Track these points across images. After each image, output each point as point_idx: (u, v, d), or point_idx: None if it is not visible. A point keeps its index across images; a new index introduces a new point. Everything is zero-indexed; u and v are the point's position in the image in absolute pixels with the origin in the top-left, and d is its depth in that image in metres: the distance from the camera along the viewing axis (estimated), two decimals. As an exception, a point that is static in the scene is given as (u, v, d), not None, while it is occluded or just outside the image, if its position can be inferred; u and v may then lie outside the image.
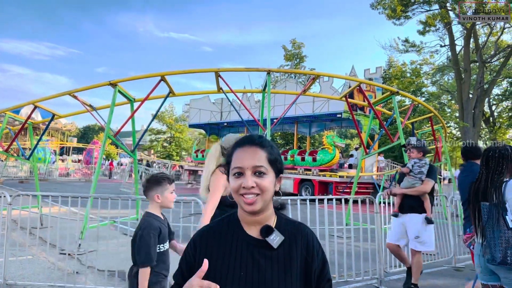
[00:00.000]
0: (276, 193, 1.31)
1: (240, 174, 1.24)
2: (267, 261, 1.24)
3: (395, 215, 5.09)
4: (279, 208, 1.36)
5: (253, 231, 1.29)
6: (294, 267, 1.25)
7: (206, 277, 1.24)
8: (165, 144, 49.47)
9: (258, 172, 1.24)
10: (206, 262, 1.14)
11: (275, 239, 1.26)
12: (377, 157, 19.43)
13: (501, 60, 26.52)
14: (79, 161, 36.57)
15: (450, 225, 6.95)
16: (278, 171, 1.31)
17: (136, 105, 8.56)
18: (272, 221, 1.31)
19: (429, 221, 4.84)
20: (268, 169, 1.27)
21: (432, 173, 4.97)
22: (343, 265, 5.48)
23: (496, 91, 32.53)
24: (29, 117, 8.62)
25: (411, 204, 4.95)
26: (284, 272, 1.24)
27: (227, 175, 1.32)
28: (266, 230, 1.27)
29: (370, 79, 18.43)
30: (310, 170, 17.84)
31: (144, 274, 2.52)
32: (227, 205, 3.10)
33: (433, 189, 5.00)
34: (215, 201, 3.09)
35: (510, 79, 30.43)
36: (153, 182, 2.82)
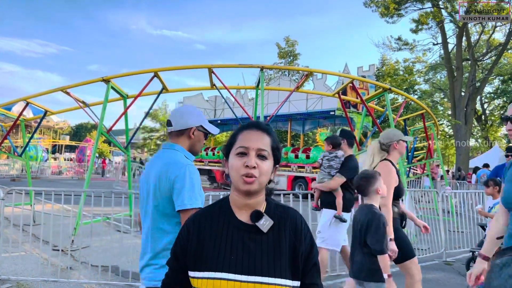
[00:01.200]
0: (270, 182, 1.35)
1: (243, 154, 1.28)
2: (257, 245, 1.27)
3: (315, 210, 4.88)
4: (268, 194, 1.39)
5: (244, 216, 1.32)
6: (283, 250, 1.28)
7: (198, 261, 1.27)
8: (158, 142, 49.34)
9: (260, 156, 1.29)
10: None
11: (265, 223, 1.28)
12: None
13: (493, 58, 26.78)
14: (71, 159, 36.35)
15: (441, 220, 7.03)
16: (277, 160, 1.36)
17: (129, 101, 8.55)
18: (262, 207, 1.34)
19: (340, 219, 4.46)
20: (270, 155, 1.32)
21: (344, 168, 4.56)
22: (335, 259, 5.54)
23: (488, 89, 32.86)
24: (21, 113, 8.58)
25: (326, 199, 4.61)
26: (273, 255, 1.26)
27: (227, 156, 1.35)
28: (256, 215, 1.29)
29: (363, 77, 18.49)
30: (303, 167, 17.89)
31: (385, 259, 2.93)
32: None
33: (348, 185, 4.55)
34: (392, 193, 3.46)
35: (501, 77, 30.72)
36: (372, 178, 3.14)
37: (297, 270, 1.29)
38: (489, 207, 5.54)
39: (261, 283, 1.21)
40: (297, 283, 1.28)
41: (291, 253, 1.29)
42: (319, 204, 4.77)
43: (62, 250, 5.86)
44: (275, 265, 1.25)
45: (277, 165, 1.37)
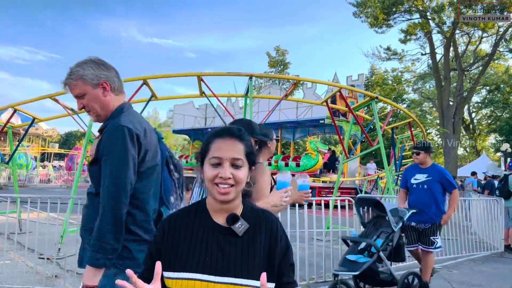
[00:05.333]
0: (247, 184, 1.36)
1: (217, 164, 1.29)
2: (231, 247, 1.29)
3: None
4: (244, 195, 1.40)
5: (220, 219, 1.34)
6: (257, 252, 1.30)
7: (172, 261, 1.28)
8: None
9: (235, 165, 1.29)
10: (158, 264, 1.14)
11: (240, 227, 1.31)
12: (358, 161, 19.67)
13: (480, 68, 27.22)
14: (60, 167, 35.93)
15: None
16: (252, 163, 1.37)
17: (118, 109, 8.53)
18: (239, 210, 1.37)
19: None
20: (245, 162, 1.32)
21: None
22: (322, 266, 5.56)
23: (475, 98, 33.36)
24: (8, 120, 8.51)
25: None
26: (247, 257, 1.28)
27: (201, 163, 1.36)
28: (232, 219, 1.31)
29: (352, 86, 18.69)
30: (293, 175, 17.92)
31: None
32: None
33: None
34: None
35: (488, 87, 31.24)
36: None
37: (272, 272, 1.30)
38: None
39: (234, 284, 1.23)
40: (272, 285, 1.30)
41: (266, 256, 1.31)
42: None
43: (48, 259, 5.81)
44: (249, 267, 1.27)
45: (253, 167, 1.38)
